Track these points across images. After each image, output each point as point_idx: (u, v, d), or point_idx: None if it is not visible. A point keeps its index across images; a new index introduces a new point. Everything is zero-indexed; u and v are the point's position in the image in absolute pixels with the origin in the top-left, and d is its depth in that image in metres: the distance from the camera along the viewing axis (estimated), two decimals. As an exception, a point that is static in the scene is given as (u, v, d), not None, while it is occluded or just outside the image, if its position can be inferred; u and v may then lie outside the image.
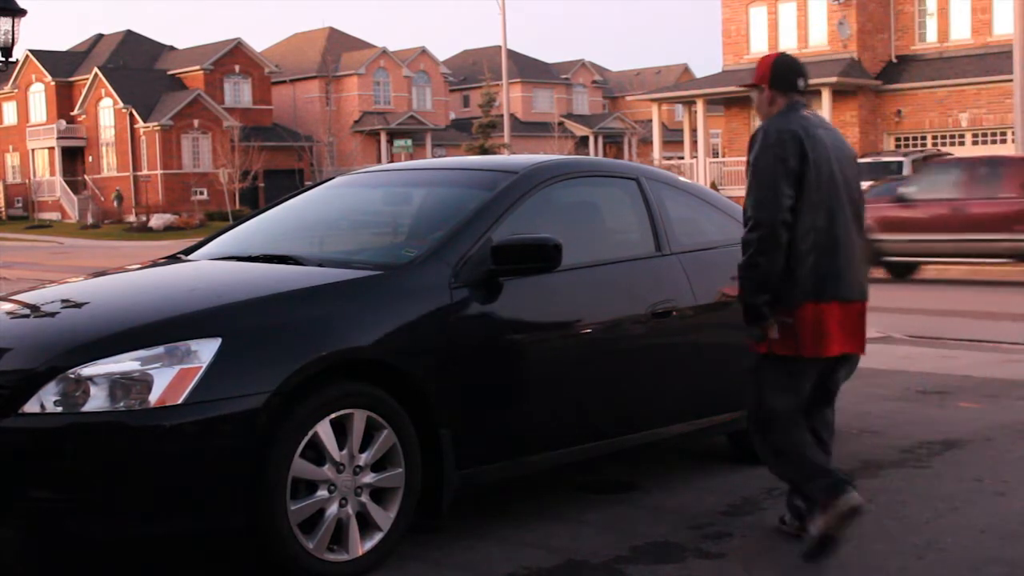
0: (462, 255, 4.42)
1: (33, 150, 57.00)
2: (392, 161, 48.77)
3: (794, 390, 4.23)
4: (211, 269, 4.90)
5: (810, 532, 4.10)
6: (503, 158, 5.83)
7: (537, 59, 69.17)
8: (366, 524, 4.03)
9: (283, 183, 50.34)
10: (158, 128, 51.04)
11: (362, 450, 4.00)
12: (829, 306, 4.14)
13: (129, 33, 59.84)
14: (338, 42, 62.60)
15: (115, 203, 50.97)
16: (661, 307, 5.04)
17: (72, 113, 55.65)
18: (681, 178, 5.94)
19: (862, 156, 29.82)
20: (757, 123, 4.46)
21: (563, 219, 5.06)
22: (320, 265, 4.57)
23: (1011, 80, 23.03)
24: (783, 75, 4.34)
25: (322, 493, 3.90)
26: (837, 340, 4.17)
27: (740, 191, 33.21)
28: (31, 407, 3.65)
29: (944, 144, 32.47)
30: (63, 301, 4.41)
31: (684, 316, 5.15)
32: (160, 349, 3.72)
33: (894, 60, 34.18)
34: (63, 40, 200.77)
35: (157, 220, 45.13)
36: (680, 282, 5.19)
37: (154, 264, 5.29)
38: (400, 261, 4.58)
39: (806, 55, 34.05)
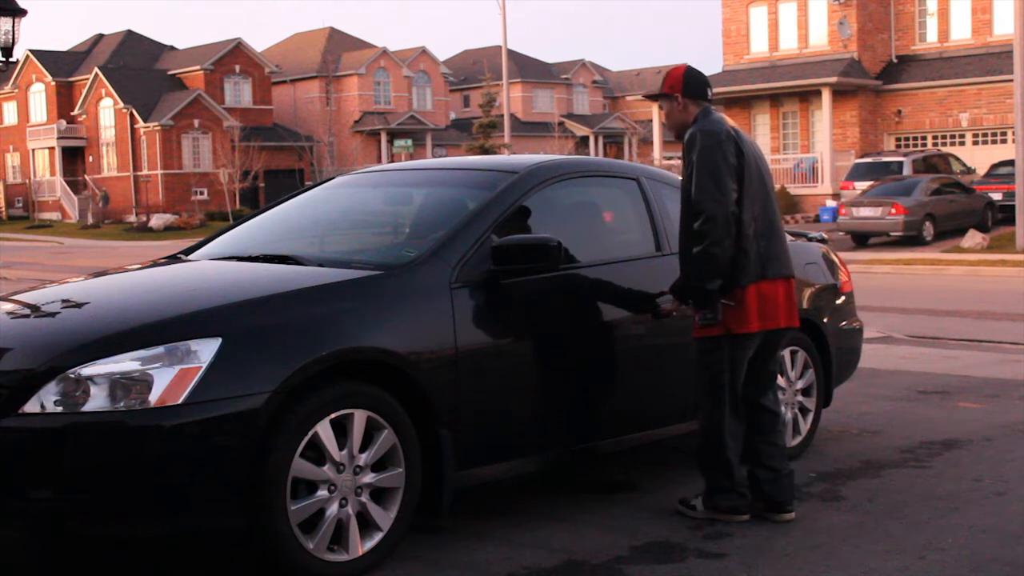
0: (462, 255, 4.43)
1: (33, 150, 56.97)
2: (392, 161, 48.75)
3: (742, 364, 4.67)
4: (211, 269, 4.89)
5: (696, 507, 4.70)
6: (503, 158, 5.83)
7: (537, 59, 69.13)
8: (366, 524, 4.02)
9: (283, 183, 50.33)
10: (158, 128, 51.00)
11: (362, 450, 4.00)
12: (775, 284, 4.63)
13: (129, 33, 59.80)
14: (338, 42, 62.57)
15: (100, 204, 50.85)
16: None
17: (72, 113, 55.61)
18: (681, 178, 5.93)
19: (862, 156, 29.87)
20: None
21: (563, 219, 5.06)
22: (320, 265, 4.56)
23: (1011, 80, 23.03)
24: (695, 85, 4.73)
25: (322, 493, 3.89)
26: (783, 314, 4.68)
27: (740, 191, 32.82)
28: (31, 407, 3.65)
29: (944, 144, 32.48)
30: (63, 301, 4.41)
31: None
32: (160, 349, 3.72)
33: (894, 60, 34.17)
34: (63, 40, 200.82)
35: (157, 220, 45.09)
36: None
37: (154, 264, 5.29)
38: (400, 261, 4.57)
39: (806, 55, 34.07)
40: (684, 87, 4.70)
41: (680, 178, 5.91)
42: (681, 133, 4.75)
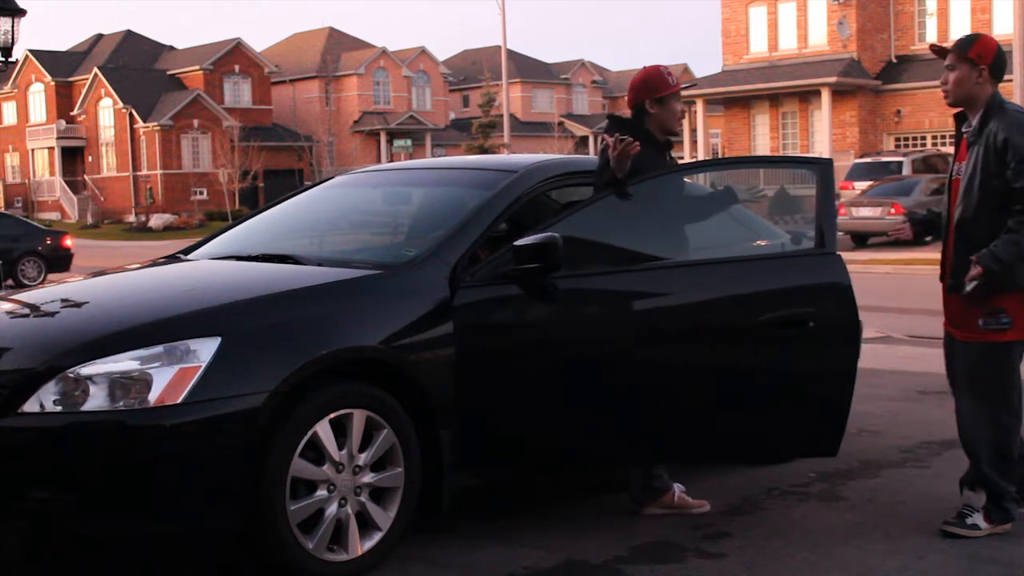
0: (462, 254, 4.42)
1: (33, 150, 56.95)
2: (392, 161, 48.76)
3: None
4: (211, 269, 4.89)
5: (978, 525, 4.40)
6: (502, 157, 5.83)
7: (537, 59, 69.13)
8: (365, 524, 4.02)
9: (283, 183, 50.28)
10: (158, 128, 50.99)
11: (361, 450, 4.00)
12: None
13: (129, 33, 59.78)
14: (338, 42, 62.56)
15: (147, 200, 50.61)
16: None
17: (72, 113, 55.60)
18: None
19: (861, 156, 29.84)
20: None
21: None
22: (320, 264, 4.56)
23: (1011, 80, 23.02)
24: (1001, 65, 4.44)
25: (321, 493, 3.89)
26: None
27: (740, 191, 32.49)
28: (31, 407, 3.65)
29: (944, 144, 32.48)
30: (63, 301, 4.41)
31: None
32: (159, 348, 3.71)
33: (894, 60, 34.17)
34: (63, 40, 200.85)
35: (157, 220, 45.10)
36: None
37: (154, 264, 5.29)
38: (400, 260, 4.57)
39: (806, 55, 34.08)
40: (993, 61, 4.37)
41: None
42: (965, 104, 4.43)
